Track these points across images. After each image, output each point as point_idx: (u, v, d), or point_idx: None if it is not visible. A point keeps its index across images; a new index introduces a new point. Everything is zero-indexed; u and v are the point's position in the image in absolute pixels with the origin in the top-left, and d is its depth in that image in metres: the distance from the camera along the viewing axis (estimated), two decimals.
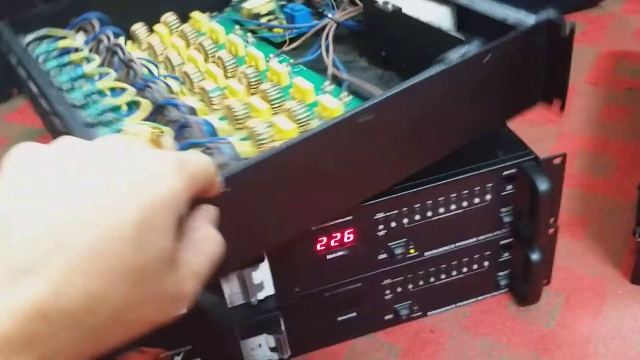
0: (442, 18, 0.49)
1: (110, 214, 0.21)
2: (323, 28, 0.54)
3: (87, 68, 0.50)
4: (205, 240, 0.26)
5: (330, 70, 0.50)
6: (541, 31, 0.43)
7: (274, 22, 0.60)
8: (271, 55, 0.55)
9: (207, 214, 0.28)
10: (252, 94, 0.50)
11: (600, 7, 0.94)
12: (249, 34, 0.60)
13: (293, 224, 0.38)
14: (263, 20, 0.61)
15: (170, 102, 0.43)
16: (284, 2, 0.62)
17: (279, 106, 0.47)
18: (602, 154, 0.68)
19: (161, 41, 0.60)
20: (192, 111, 0.43)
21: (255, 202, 0.35)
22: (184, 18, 0.63)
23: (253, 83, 0.50)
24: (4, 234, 0.20)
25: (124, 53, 0.50)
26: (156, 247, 0.22)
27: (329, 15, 0.55)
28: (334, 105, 0.45)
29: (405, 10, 0.50)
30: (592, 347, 0.49)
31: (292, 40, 0.56)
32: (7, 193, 0.22)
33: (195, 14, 0.63)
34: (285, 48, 0.55)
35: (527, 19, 0.43)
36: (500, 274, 0.53)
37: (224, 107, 0.47)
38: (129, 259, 0.21)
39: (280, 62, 0.55)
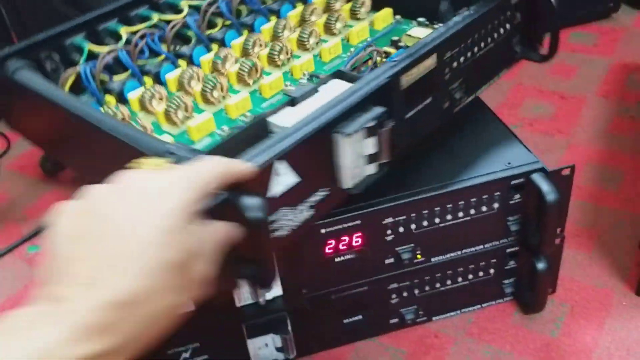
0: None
1: (140, 227, 0.27)
2: None
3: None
4: (212, 232, 0.31)
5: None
6: None
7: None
8: (322, 76, 0.53)
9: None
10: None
11: (613, 20, 0.94)
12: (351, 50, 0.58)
13: None
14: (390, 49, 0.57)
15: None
16: None
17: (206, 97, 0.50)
18: (611, 166, 0.68)
19: (322, 10, 0.61)
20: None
21: None
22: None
23: (242, 73, 0.52)
24: (67, 262, 0.27)
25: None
26: (181, 244, 0.28)
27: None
28: (198, 120, 0.47)
29: (321, 92, 0.46)
30: (595, 358, 0.49)
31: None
32: (66, 235, 0.28)
33: (387, 12, 0.60)
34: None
35: None
36: (506, 281, 0.53)
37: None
38: (164, 257, 0.27)
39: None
